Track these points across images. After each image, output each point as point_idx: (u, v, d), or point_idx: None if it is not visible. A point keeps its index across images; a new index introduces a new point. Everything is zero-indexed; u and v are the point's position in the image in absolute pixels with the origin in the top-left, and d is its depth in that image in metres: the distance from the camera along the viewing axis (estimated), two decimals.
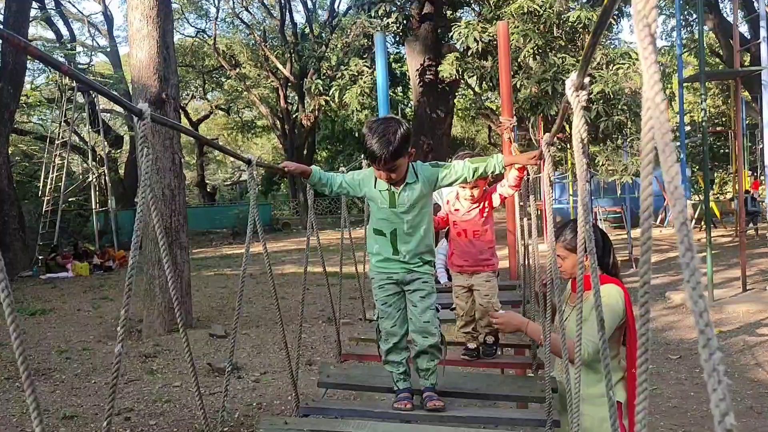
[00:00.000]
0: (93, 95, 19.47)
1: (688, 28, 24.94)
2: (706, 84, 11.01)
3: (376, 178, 2.82)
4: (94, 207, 19.67)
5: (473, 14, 13.56)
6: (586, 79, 1.33)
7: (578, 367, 1.91)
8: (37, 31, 28.39)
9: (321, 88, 15.05)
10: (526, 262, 4.72)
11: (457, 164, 2.87)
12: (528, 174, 3.28)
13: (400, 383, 2.87)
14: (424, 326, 2.80)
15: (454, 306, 3.53)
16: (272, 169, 3.29)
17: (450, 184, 2.95)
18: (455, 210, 3.45)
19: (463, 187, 3.32)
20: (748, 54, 19.23)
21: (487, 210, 3.41)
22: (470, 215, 3.39)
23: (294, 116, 29.34)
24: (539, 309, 3.48)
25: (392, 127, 2.67)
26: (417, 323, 2.82)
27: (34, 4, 20.35)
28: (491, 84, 11.23)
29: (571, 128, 1.44)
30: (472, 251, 3.39)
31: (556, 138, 2.32)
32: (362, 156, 5.18)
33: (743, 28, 20.50)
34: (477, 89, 15.55)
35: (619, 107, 10.07)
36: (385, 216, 2.82)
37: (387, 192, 2.79)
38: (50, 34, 25.91)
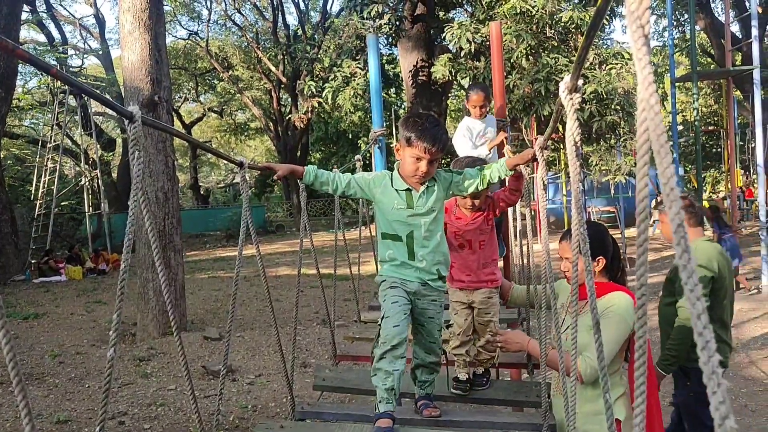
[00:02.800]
0: (85, 98, 19.40)
1: (680, 28, 25.03)
2: (698, 83, 11.05)
3: (392, 178, 2.72)
4: (86, 210, 19.61)
5: (466, 15, 13.57)
6: (580, 82, 1.33)
7: (573, 379, 1.85)
8: (29, 34, 28.33)
9: (314, 90, 15.05)
10: (522, 263, 4.73)
11: (469, 172, 2.80)
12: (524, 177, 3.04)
13: (382, 405, 2.53)
14: (429, 346, 2.78)
15: (451, 323, 3.23)
16: (262, 170, 3.18)
17: (461, 192, 2.83)
18: (457, 218, 3.17)
19: (464, 196, 3.05)
20: (740, 53, 19.32)
21: (491, 217, 3.16)
22: (475, 224, 3.13)
23: (287, 118, 29.32)
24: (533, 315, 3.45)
25: (439, 121, 2.71)
26: (423, 342, 2.78)
27: (25, 7, 20.27)
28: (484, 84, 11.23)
29: (564, 129, 1.44)
30: (476, 264, 3.13)
31: (549, 139, 2.29)
32: (356, 157, 5.19)
33: (734, 28, 20.60)
34: None
35: (612, 107, 10.09)
36: (401, 218, 2.69)
37: (405, 192, 2.69)
38: (42, 38, 25.84)
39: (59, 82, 18.36)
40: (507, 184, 3.06)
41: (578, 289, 1.70)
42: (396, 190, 2.70)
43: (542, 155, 2.26)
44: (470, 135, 5.05)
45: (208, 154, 36.35)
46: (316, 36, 26.67)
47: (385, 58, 19.84)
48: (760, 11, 14.85)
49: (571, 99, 1.29)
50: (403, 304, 2.65)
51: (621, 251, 3.00)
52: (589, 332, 2.48)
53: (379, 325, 2.66)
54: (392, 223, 2.71)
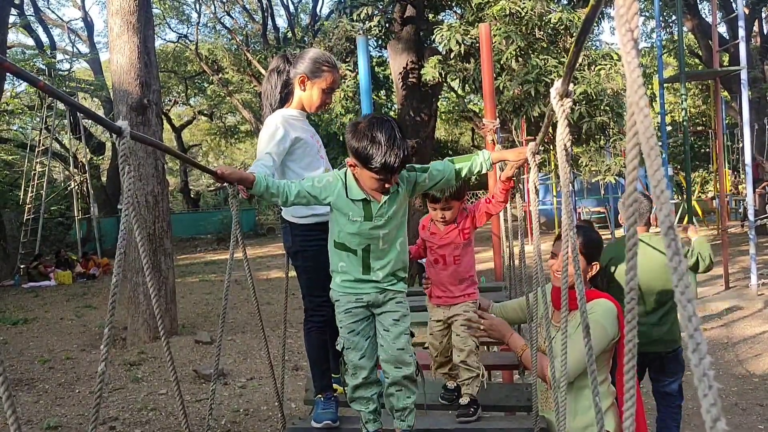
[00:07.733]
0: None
1: (668, 30, 25.16)
2: (686, 84, 11.12)
3: (347, 186, 2.37)
4: (76, 214, 19.50)
5: (455, 17, 13.59)
6: (570, 86, 1.33)
7: (563, 390, 1.86)
8: (17, 37, 28.11)
9: None
10: (512, 263, 4.75)
11: (436, 165, 2.49)
12: (516, 179, 2.82)
13: (369, 425, 2.52)
14: (397, 354, 2.41)
15: (426, 345, 3.03)
16: (207, 172, 2.93)
17: (431, 188, 2.58)
18: (431, 234, 2.93)
19: (434, 208, 2.84)
20: (727, 54, 19.44)
21: (468, 230, 2.89)
22: (449, 238, 2.87)
23: None
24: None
25: (395, 127, 2.28)
26: (389, 351, 2.42)
27: (13, 11, 20.14)
28: (474, 86, 11.25)
29: (554, 132, 1.44)
30: (452, 280, 2.89)
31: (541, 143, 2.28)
32: (346, 159, 5.14)
33: (722, 29, 20.73)
34: (460, 92, 15.58)
35: (602, 108, 10.13)
36: (357, 230, 2.38)
37: (362, 202, 2.36)
38: (30, 41, 25.67)
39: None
40: (494, 194, 2.80)
41: (568, 293, 1.71)
42: (352, 200, 2.37)
43: (534, 160, 2.25)
44: (286, 140, 2.81)
45: (198, 156, 36.29)
46: (306, 38, 26.62)
47: (374, 60, 19.83)
48: (747, 12, 14.97)
49: (562, 104, 1.30)
50: (361, 330, 2.46)
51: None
52: (570, 338, 2.46)
53: (342, 352, 2.51)
54: (347, 234, 2.41)
